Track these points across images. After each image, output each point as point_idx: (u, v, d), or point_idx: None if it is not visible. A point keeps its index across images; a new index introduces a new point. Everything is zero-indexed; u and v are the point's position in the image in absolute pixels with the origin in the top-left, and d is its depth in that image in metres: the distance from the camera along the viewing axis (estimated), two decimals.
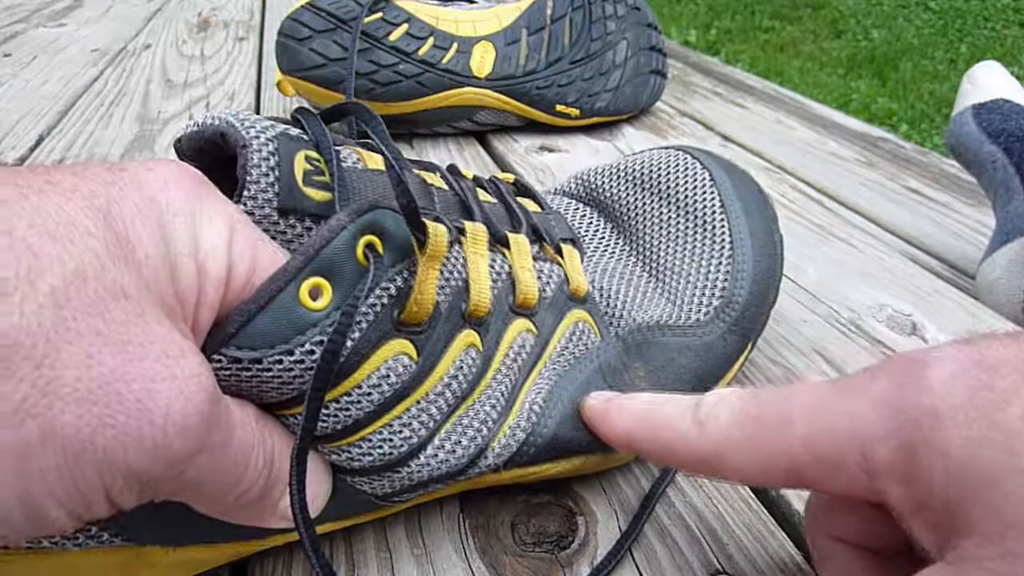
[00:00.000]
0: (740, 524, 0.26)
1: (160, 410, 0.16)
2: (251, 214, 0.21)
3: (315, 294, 0.20)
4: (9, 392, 0.14)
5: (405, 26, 0.57)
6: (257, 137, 0.21)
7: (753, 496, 0.28)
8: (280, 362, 0.20)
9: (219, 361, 0.19)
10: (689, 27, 3.27)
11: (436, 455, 0.23)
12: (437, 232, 0.22)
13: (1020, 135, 0.42)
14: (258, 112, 0.70)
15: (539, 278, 0.27)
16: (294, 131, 0.22)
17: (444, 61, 0.58)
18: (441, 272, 0.23)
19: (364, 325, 0.21)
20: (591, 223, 0.34)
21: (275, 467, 0.21)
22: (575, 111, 0.62)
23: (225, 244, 0.19)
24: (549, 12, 0.61)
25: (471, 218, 0.26)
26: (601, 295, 0.30)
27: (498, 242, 0.26)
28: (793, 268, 0.43)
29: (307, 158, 0.22)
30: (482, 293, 0.24)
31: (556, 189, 0.37)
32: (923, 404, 0.17)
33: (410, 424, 0.22)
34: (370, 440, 0.22)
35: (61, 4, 1.17)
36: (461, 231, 0.25)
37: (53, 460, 0.15)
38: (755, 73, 0.86)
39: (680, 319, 0.29)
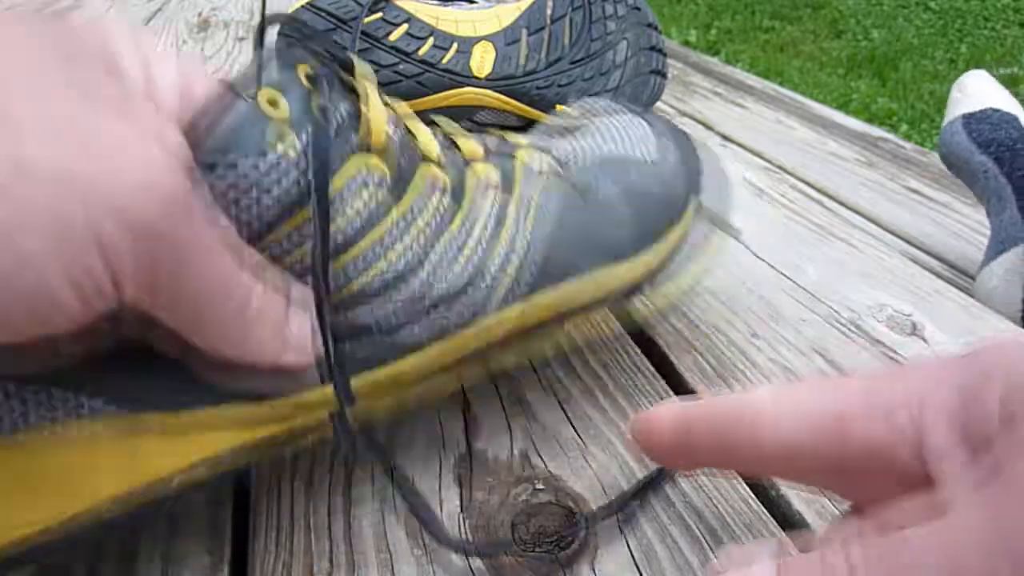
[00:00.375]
0: (740, 524, 0.26)
1: (137, 144, 0.16)
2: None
3: (273, 103, 0.21)
4: None
5: (405, 26, 0.57)
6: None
7: (753, 496, 0.28)
8: (256, 166, 0.20)
9: (192, 174, 0.19)
10: (689, 27, 3.27)
11: (435, 272, 0.24)
12: (362, 64, 0.24)
13: (1010, 144, 0.42)
14: None
15: (474, 140, 0.29)
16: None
17: (444, 61, 0.58)
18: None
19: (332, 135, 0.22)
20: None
21: (268, 285, 0.20)
22: None
23: (174, 68, 0.19)
24: (549, 12, 0.61)
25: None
26: (543, 147, 0.31)
27: (426, 122, 0.28)
28: (793, 268, 0.43)
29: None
30: (427, 136, 0.26)
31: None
32: (989, 359, 0.17)
33: (401, 239, 0.23)
34: (365, 257, 0.23)
35: (61, 4, 1.17)
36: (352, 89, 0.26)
37: (31, 191, 0.14)
38: (755, 73, 0.87)
39: (635, 155, 0.31)
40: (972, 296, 0.41)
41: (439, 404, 0.31)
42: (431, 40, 0.58)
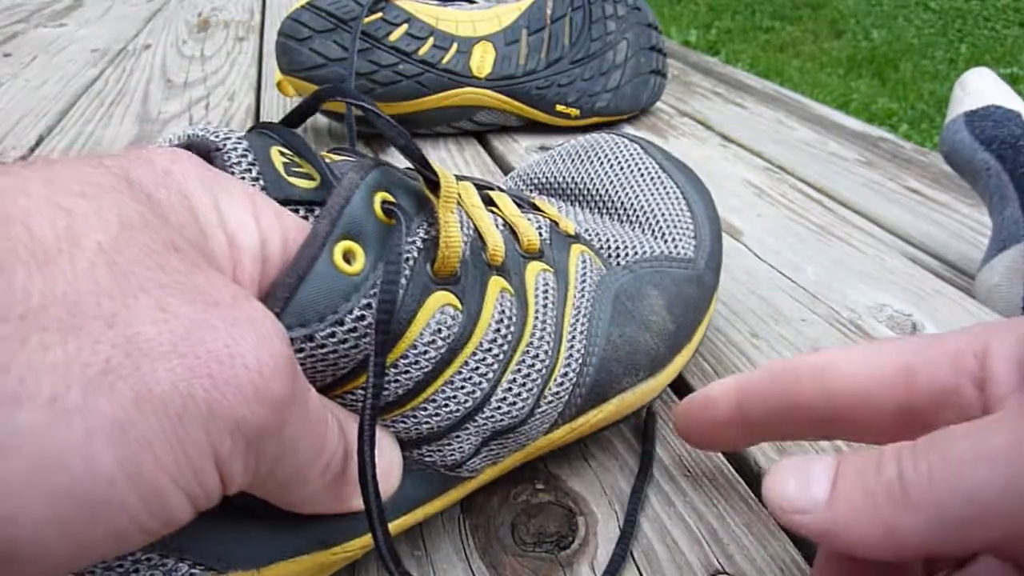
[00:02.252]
0: (740, 524, 0.26)
1: (251, 353, 0.15)
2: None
3: (349, 258, 0.20)
4: (89, 356, 0.13)
5: (405, 26, 0.57)
6: (228, 138, 0.20)
7: (753, 496, 0.28)
8: (333, 335, 0.19)
9: None
10: (689, 27, 3.27)
11: (500, 407, 0.24)
12: (445, 173, 0.22)
13: (1012, 142, 0.42)
14: (258, 113, 0.70)
15: (535, 224, 0.28)
16: (261, 132, 0.22)
17: (444, 61, 0.58)
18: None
19: (404, 282, 0.21)
20: (546, 202, 0.34)
21: (348, 439, 0.20)
22: (575, 111, 0.62)
23: (251, 217, 0.18)
24: (549, 12, 0.61)
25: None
26: (591, 235, 0.31)
27: (484, 200, 0.27)
28: (793, 268, 0.43)
29: (281, 152, 0.21)
30: (496, 238, 0.25)
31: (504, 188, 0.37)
32: None
33: (471, 377, 0.23)
34: (435, 400, 0.22)
35: (61, 4, 1.17)
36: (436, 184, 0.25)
37: (156, 423, 0.14)
38: (755, 73, 0.86)
39: (675, 253, 0.31)
40: (972, 296, 0.41)
41: None
42: (431, 40, 0.58)
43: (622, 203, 0.33)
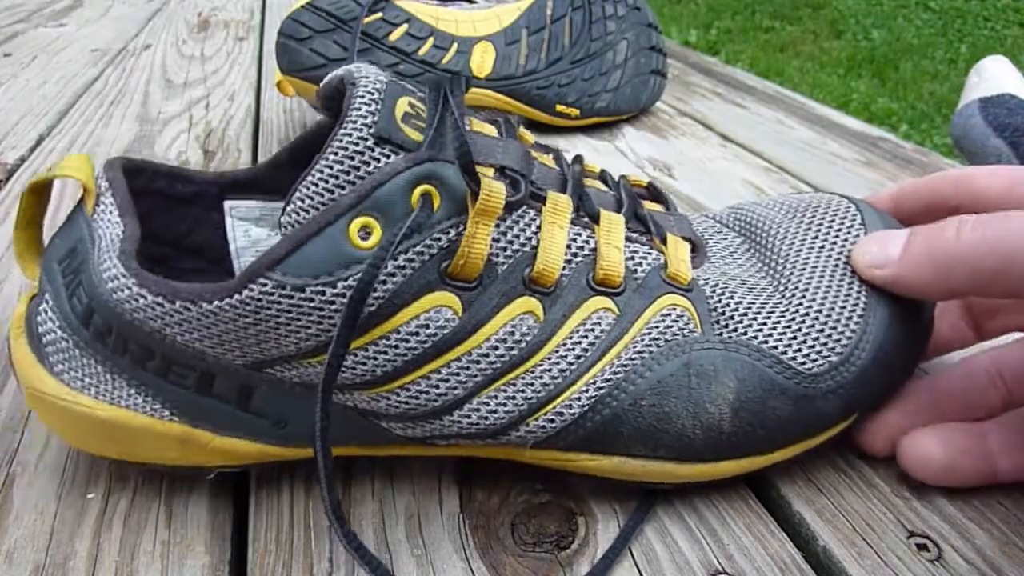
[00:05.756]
0: (740, 524, 0.26)
1: None
2: (349, 139, 0.22)
3: (365, 234, 0.22)
4: None
5: (405, 26, 0.57)
6: (366, 77, 0.23)
7: (753, 496, 0.28)
8: (322, 292, 0.21)
9: (264, 284, 0.21)
10: (689, 27, 3.27)
11: (470, 416, 0.24)
12: (492, 187, 0.22)
13: None
14: (258, 113, 0.70)
15: (631, 258, 0.26)
16: (407, 84, 0.24)
17: (444, 61, 0.58)
18: (505, 234, 0.24)
19: (408, 271, 0.22)
20: (724, 237, 0.30)
21: None
22: (575, 111, 0.62)
23: None
24: (549, 12, 0.61)
25: (562, 192, 0.26)
26: (714, 291, 0.27)
27: (589, 218, 0.26)
28: None
29: (411, 104, 0.23)
30: (550, 262, 0.24)
31: (707, 215, 0.33)
32: None
33: (448, 380, 0.23)
34: (408, 390, 0.23)
35: (61, 4, 1.17)
36: (541, 199, 0.25)
37: None
38: (755, 73, 0.86)
39: (792, 358, 0.26)
40: None
41: None
42: (431, 40, 0.58)
43: (787, 274, 0.28)
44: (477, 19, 0.60)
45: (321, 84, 0.25)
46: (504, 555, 0.25)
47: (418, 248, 0.22)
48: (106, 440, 0.26)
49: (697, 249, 0.29)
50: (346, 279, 0.22)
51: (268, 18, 1.07)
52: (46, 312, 0.25)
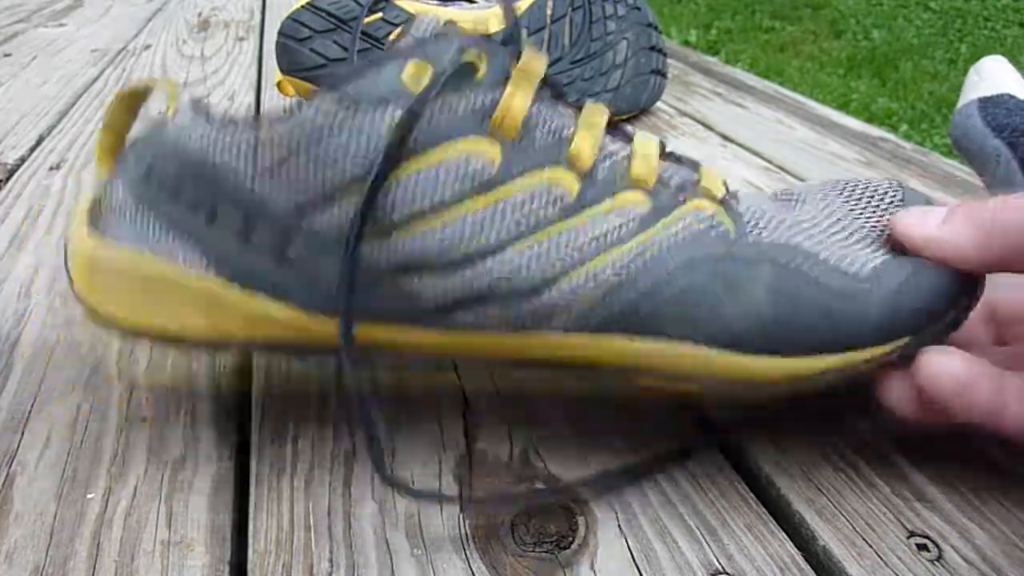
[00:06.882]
0: (740, 524, 0.27)
1: None
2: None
3: (417, 79, 0.24)
4: None
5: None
6: (424, 18, 0.26)
7: (753, 496, 0.28)
8: (373, 113, 0.24)
9: (324, 99, 0.24)
10: (689, 27, 3.27)
11: (501, 267, 0.25)
12: (532, 55, 0.26)
13: None
14: (257, 112, 0.70)
15: (664, 171, 0.27)
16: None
17: None
18: (544, 112, 0.26)
19: (453, 112, 0.25)
20: (757, 196, 0.30)
21: None
22: None
23: None
24: (549, 12, 0.61)
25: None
26: (747, 209, 0.28)
27: (624, 137, 0.28)
28: None
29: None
30: (584, 146, 0.26)
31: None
32: None
33: (481, 223, 0.25)
34: (441, 230, 0.25)
35: (61, 4, 1.17)
36: (579, 107, 0.27)
37: None
38: (755, 73, 0.87)
39: (826, 258, 0.26)
40: None
41: (439, 404, 0.32)
42: None
43: (823, 220, 0.28)
44: (477, 19, 0.60)
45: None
46: (504, 555, 0.25)
47: (464, 98, 0.25)
48: (136, 298, 0.27)
49: (729, 191, 0.29)
50: (397, 109, 0.24)
51: (268, 18, 1.07)
52: (112, 184, 0.27)
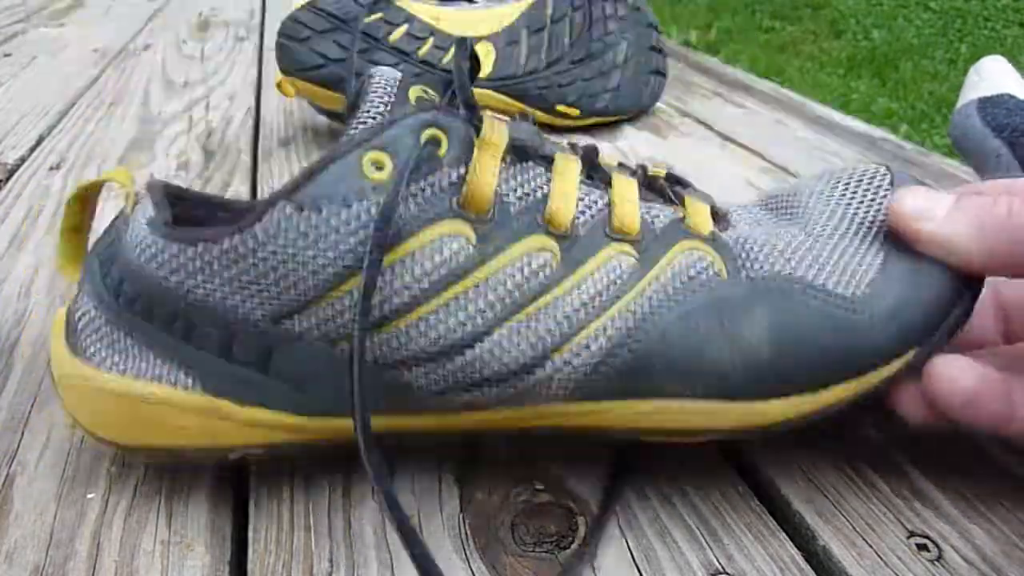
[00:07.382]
0: (740, 524, 0.26)
1: None
2: (368, 114, 0.24)
3: (377, 168, 0.23)
4: None
5: (405, 26, 0.57)
6: (381, 73, 0.26)
7: (753, 496, 0.28)
8: (339, 214, 0.23)
9: (283, 210, 0.23)
10: (689, 27, 3.27)
11: (493, 350, 0.24)
12: (493, 124, 0.25)
13: None
14: (258, 113, 0.70)
15: (647, 212, 0.26)
16: (421, 84, 0.27)
17: (444, 61, 0.58)
18: (516, 178, 0.25)
19: (420, 200, 0.24)
20: (749, 212, 0.30)
21: None
22: (575, 111, 0.62)
23: None
24: (549, 12, 0.61)
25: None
26: (737, 242, 0.27)
27: (602, 181, 0.27)
28: None
29: (423, 90, 0.26)
30: (563, 204, 0.25)
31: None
32: None
33: (466, 309, 0.24)
34: (427, 320, 0.24)
35: (61, 4, 1.17)
36: (550, 159, 0.26)
37: None
38: (755, 73, 0.86)
39: (828, 284, 0.26)
40: None
41: None
42: (431, 40, 0.58)
43: (815, 220, 0.28)
44: (477, 19, 0.60)
45: (347, 96, 0.27)
46: (504, 555, 0.25)
47: (429, 181, 0.24)
48: (129, 421, 0.26)
49: (719, 216, 0.29)
50: (362, 202, 0.23)
51: (268, 18, 1.07)
52: (82, 298, 0.26)
